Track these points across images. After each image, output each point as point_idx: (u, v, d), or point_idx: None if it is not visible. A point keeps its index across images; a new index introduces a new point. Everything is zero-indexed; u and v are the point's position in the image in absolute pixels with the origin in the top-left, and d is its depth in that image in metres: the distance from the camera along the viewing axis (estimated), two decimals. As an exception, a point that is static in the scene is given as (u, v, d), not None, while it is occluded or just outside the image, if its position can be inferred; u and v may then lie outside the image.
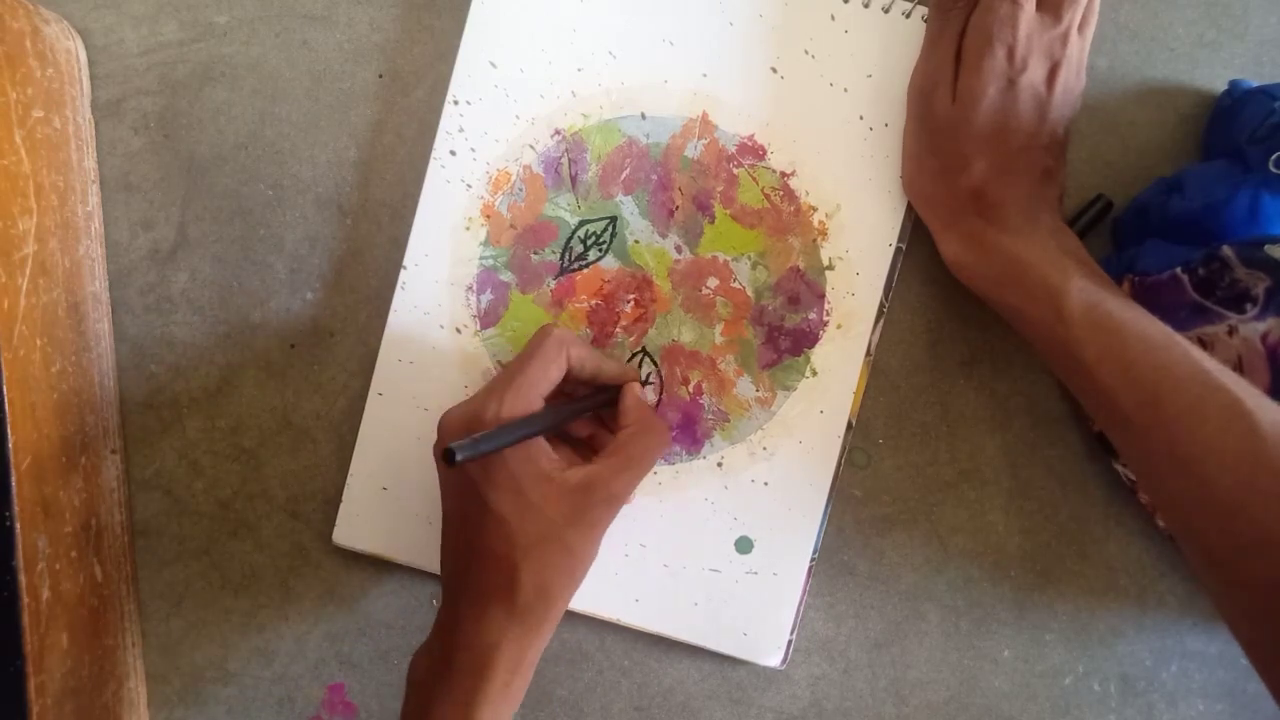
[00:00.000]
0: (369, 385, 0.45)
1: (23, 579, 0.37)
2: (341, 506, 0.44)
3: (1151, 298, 0.40)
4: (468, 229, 0.44)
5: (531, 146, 0.44)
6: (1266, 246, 0.37)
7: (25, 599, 0.37)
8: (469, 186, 0.44)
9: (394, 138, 0.45)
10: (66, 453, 0.41)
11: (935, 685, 0.46)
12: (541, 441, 0.37)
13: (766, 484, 0.44)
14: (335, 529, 0.44)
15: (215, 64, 0.45)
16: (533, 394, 0.37)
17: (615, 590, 0.44)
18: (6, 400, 0.36)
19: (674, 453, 0.44)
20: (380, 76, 0.45)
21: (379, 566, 0.45)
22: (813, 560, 0.44)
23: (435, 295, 0.44)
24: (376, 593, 0.45)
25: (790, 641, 0.44)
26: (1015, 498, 0.45)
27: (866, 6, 0.43)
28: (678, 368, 0.44)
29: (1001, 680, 0.46)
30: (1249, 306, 0.38)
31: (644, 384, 0.44)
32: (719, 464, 0.44)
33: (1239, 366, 0.38)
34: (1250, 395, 0.32)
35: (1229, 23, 0.44)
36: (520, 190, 0.44)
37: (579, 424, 0.42)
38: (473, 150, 0.44)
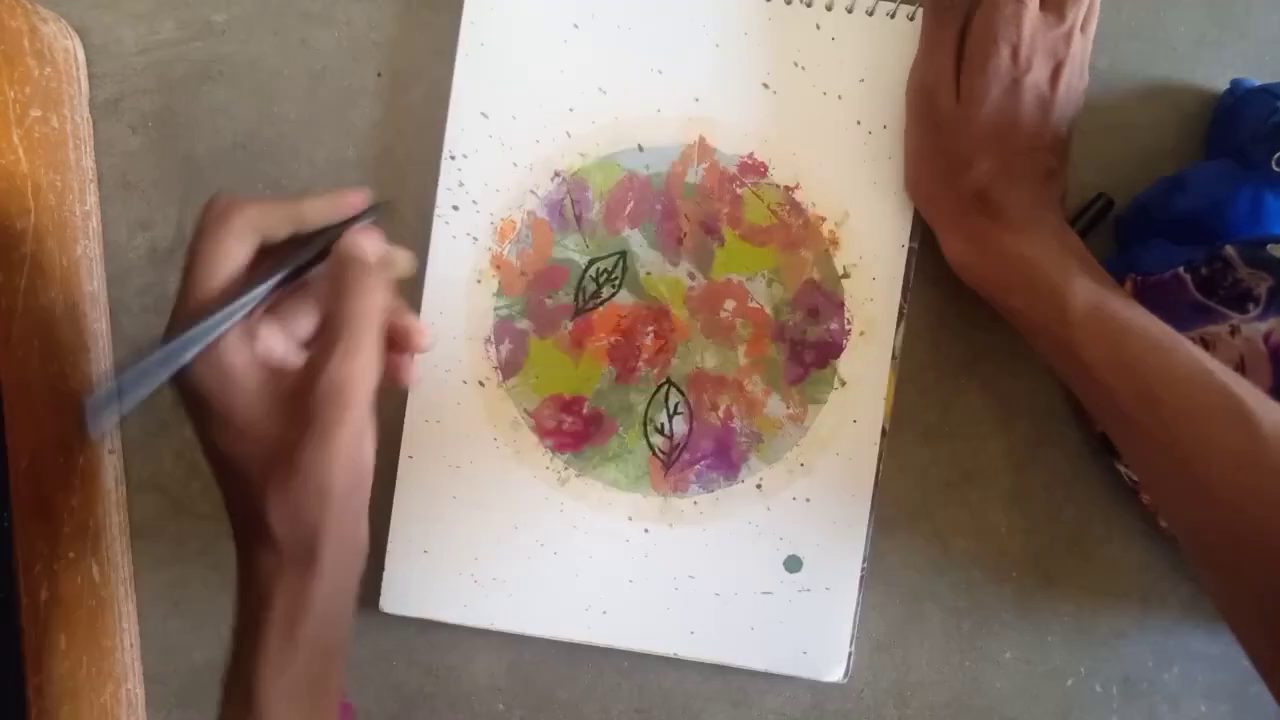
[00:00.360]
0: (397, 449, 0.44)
1: (21, 580, 0.37)
2: (385, 574, 0.44)
3: (1154, 297, 0.40)
4: (479, 282, 0.44)
5: (533, 192, 0.44)
6: (1269, 246, 0.37)
7: (23, 600, 0.37)
8: (475, 239, 0.44)
9: (394, 137, 0.45)
10: (65, 453, 0.40)
11: (937, 687, 0.45)
12: (236, 344, 0.30)
13: (809, 500, 0.44)
14: (381, 598, 0.44)
15: (213, 63, 0.44)
16: (206, 289, 0.30)
17: (669, 625, 0.44)
18: (4, 401, 0.36)
19: (712, 479, 0.44)
20: (379, 75, 0.45)
21: (378, 568, 0.45)
22: (864, 569, 0.44)
23: (454, 352, 0.44)
24: (376, 592, 0.45)
25: (851, 653, 0.44)
26: (1017, 499, 0.45)
27: (850, 12, 0.43)
28: (705, 394, 0.44)
29: (1003, 681, 0.45)
30: (1251, 306, 0.38)
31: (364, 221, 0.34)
32: (758, 485, 0.44)
33: (1241, 366, 0.38)
34: (1252, 396, 0.32)
35: (1231, 22, 0.44)
36: (527, 237, 0.44)
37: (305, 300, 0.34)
38: (475, 203, 0.44)
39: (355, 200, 0.34)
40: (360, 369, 0.30)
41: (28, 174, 0.39)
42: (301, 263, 0.32)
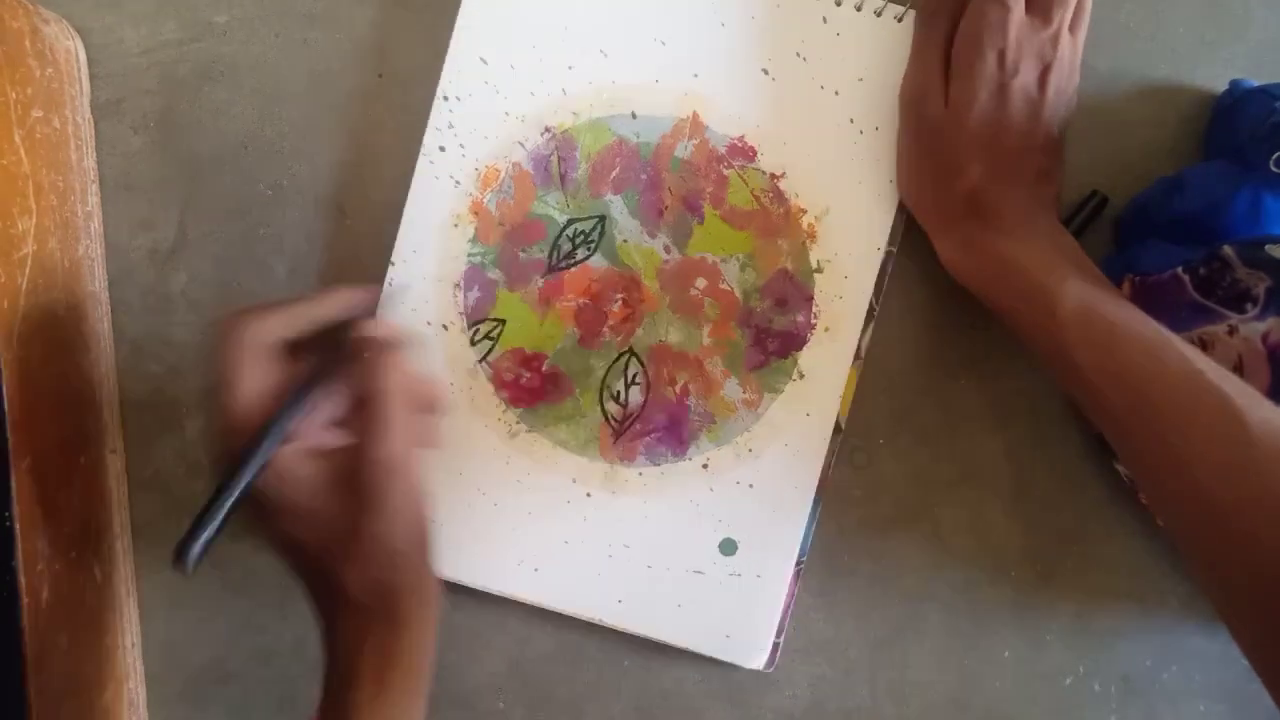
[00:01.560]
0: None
1: (22, 579, 0.37)
2: None
3: (1152, 297, 0.40)
4: (456, 225, 0.44)
5: (521, 144, 0.44)
6: (1267, 246, 0.37)
7: (25, 599, 0.37)
8: (457, 183, 0.44)
9: (393, 138, 0.45)
10: (66, 453, 0.41)
11: (936, 686, 0.46)
12: (284, 450, 0.33)
13: (752, 486, 0.44)
14: None
15: (215, 63, 0.45)
16: (245, 411, 0.33)
17: (598, 591, 0.44)
18: (6, 400, 0.36)
19: (660, 453, 0.44)
20: (380, 76, 0.45)
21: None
22: (800, 563, 0.44)
23: (422, 292, 0.44)
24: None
25: (777, 645, 0.44)
26: (1016, 498, 0.45)
27: (859, 9, 0.43)
28: (665, 368, 0.44)
29: (1002, 681, 0.46)
30: (1249, 306, 0.38)
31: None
32: (704, 465, 0.44)
33: (1239, 366, 0.38)
34: (1243, 395, 0.32)
35: (1230, 22, 0.44)
36: (509, 188, 0.44)
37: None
38: (462, 146, 0.44)
39: (364, 298, 0.38)
40: (397, 443, 0.33)
41: (29, 174, 0.39)
42: (326, 374, 0.35)
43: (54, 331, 0.40)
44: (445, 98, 0.43)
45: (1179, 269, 0.39)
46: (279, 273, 0.45)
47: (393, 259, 0.44)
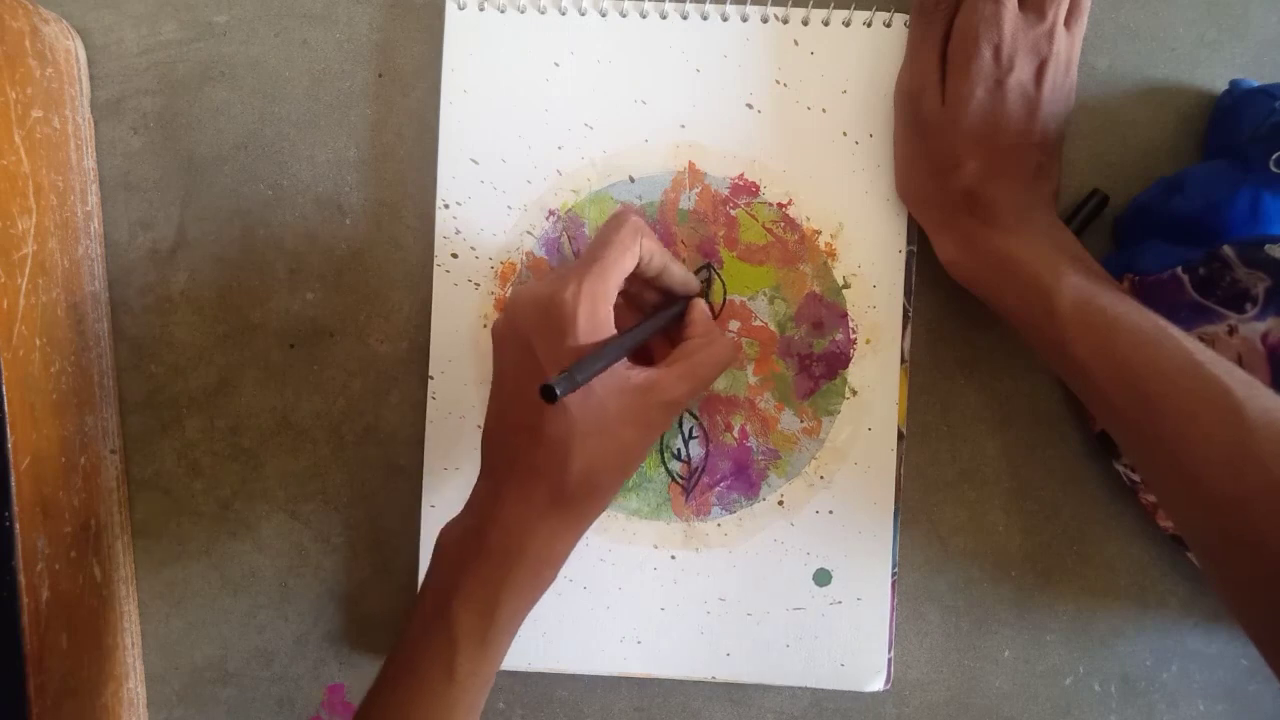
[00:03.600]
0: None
1: (22, 579, 0.37)
2: None
3: (1152, 297, 0.40)
4: (485, 326, 0.44)
5: (529, 233, 0.44)
6: (1267, 246, 0.37)
7: (25, 599, 0.37)
8: (477, 285, 0.44)
9: (394, 137, 0.45)
10: (66, 453, 0.41)
11: (936, 685, 0.46)
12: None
13: (831, 512, 0.44)
14: None
15: (215, 63, 0.45)
16: (609, 278, 0.36)
17: (704, 650, 0.44)
18: (6, 400, 0.36)
19: (733, 500, 0.44)
20: (380, 76, 0.45)
21: (378, 568, 0.45)
22: (894, 575, 0.44)
23: (467, 397, 0.44)
24: (376, 593, 0.45)
25: (890, 660, 0.44)
26: (1016, 498, 0.45)
27: (826, 25, 0.43)
28: (719, 416, 0.44)
29: (1002, 680, 0.46)
30: (1249, 306, 0.38)
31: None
32: (780, 502, 0.44)
33: (1239, 366, 0.38)
34: (1242, 385, 0.32)
35: (1230, 22, 0.44)
36: (527, 277, 0.44)
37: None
38: (473, 249, 0.44)
39: (700, 285, 0.43)
40: (689, 398, 0.38)
41: (29, 174, 0.39)
42: (668, 319, 0.41)
43: (54, 331, 0.40)
44: (446, 205, 0.44)
45: (1179, 269, 0.39)
46: (279, 273, 0.45)
47: (430, 373, 0.44)
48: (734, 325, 0.44)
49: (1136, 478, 0.43)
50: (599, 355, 0.34)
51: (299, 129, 0.45)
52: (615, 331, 0.36)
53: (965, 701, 0.46)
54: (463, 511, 0.38)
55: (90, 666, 0.42)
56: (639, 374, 0.36)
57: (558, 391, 0.31)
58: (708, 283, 0.44)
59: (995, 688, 0.46)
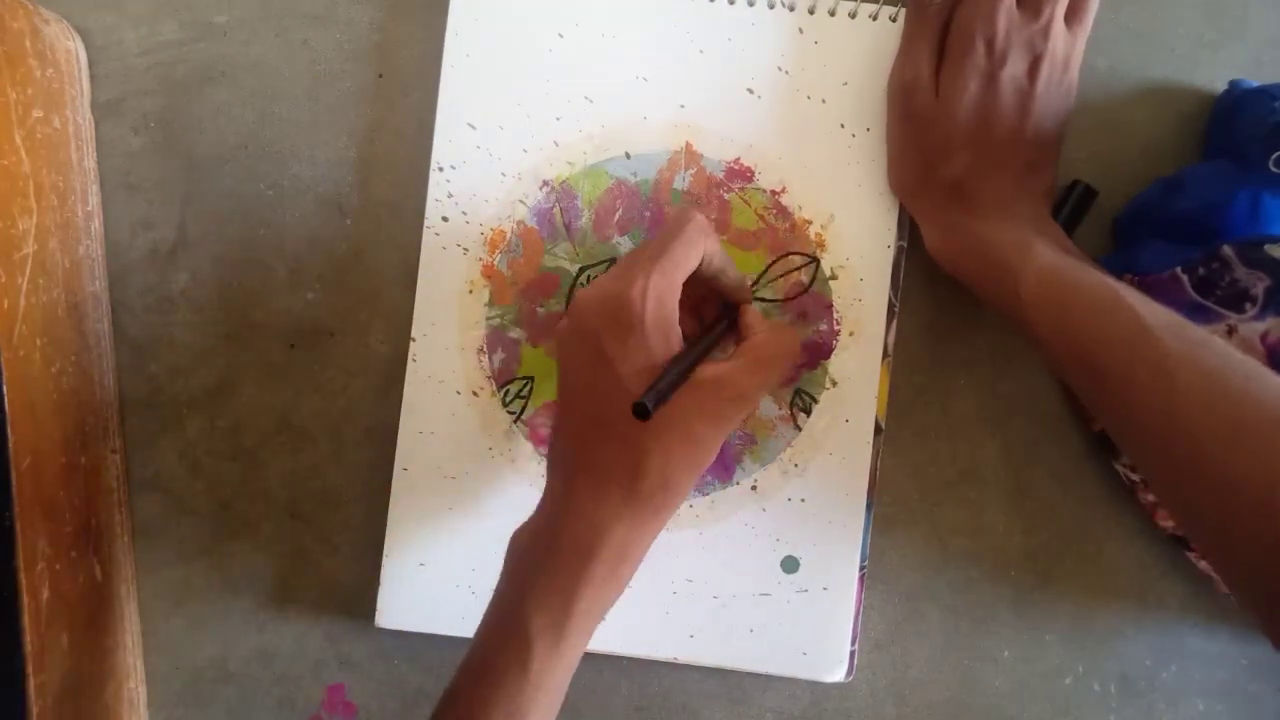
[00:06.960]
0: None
1: (23, 579, 0.37)
2: (381, 589, 0.44)
3: (1151, 297, 0.40)
4: (470, 292, 0.44)
5: (522, 201, 0.44)
6: (1266, 246, 0.37)
7: (25, 599, 0.37)
8: (465, 250, 0.44)
9: (394, 138, 0.45)
10: (66, 453, 0.41)
11: (935, 685, 0.46)
12: (681, 337, 0.36)
13: (803, 500, 0.44)
14: (377, 614, 0.44)
15: (215, 64, 0.45)
16: (676, 275, 0.36)
17: (669, 629, 0.44)
18: (6, 400, 0.36)
19: (706, 482, 0.44)
20: (380, 76, 0.45)
21: (379, 568, 0.45)
22: (863, 569, 0.44)
23: (447, 362, 0.44)
24: (377, 593, 0.45)
25: (853, 653, 0.44)
26: (1015, 498, 0.45)
27: (833, 15, 0.43)
28: None
29: (1001, 680, 0.46)
30: (1248, 306, 0.38)
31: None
32: (753, 487, 0.44)
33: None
34: (1183, 346, 0.31)
35: (1229, 23, 0.44)
36: (517, 246, 0.44)
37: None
38: (464, 214, 0.44)
39: (750, 292, 0.43)
40: (759, 394, 0.38)
41: (30, 175, 0.39)
42: (726, 327, 0.41)
43: (54, 331, 0.40)
44: (440, 168, 0.44)
45: (1178, 269, 0.39)
46: (279, 273, 0.45)
47: (413, 334, 0.44)
48: None
49: (1136, 477, 0.43)
50: (680, 359, 0.35)
51: (299, 129, 0.45)
52: (679, 327, 0.36)
53: (965, 701, 0.46)
54: (533, 516, 0.38)
55: (90, 666, 0.42)
56: (708, 368, 0.36)
57: (649, 407, 0.32)
58: None
59: (995, 687, 0.46)
